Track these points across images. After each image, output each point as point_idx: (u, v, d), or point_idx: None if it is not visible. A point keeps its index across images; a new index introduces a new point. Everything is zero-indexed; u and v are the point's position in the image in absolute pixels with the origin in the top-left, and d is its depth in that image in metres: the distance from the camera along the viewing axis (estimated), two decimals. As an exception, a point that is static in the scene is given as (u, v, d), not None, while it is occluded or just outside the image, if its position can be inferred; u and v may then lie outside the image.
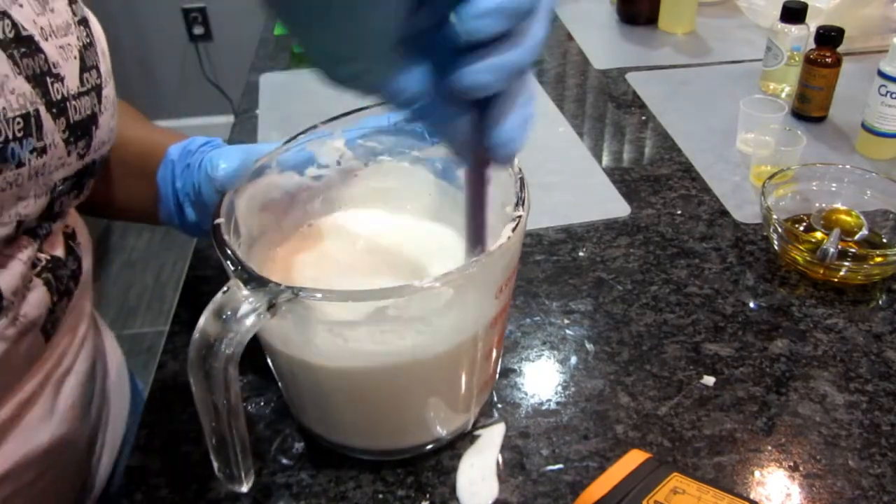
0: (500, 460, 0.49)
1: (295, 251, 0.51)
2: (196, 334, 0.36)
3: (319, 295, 0.38)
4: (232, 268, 0.38)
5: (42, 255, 0.46)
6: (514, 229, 0.41)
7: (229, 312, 0.36)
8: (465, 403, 0.49)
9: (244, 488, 0.42)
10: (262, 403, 0.53)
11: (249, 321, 0.36)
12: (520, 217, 0.42)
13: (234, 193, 0.46)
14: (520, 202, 0.43)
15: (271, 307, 0.37)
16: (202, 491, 0.48)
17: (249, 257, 0.47)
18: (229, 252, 0.39)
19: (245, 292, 0.37)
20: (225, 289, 0.37)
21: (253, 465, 0.42)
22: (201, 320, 0.36)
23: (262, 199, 0.49)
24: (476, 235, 0.41)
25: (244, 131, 0.91)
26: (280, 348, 0.44)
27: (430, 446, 0.49)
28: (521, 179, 0.44)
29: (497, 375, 0.54)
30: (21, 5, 0.40)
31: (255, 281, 0.37)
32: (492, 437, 0.51)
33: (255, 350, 0.58)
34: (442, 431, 0.49)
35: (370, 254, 0.51)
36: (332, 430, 0.49)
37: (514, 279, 0.46)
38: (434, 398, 0.47)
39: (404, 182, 0.54)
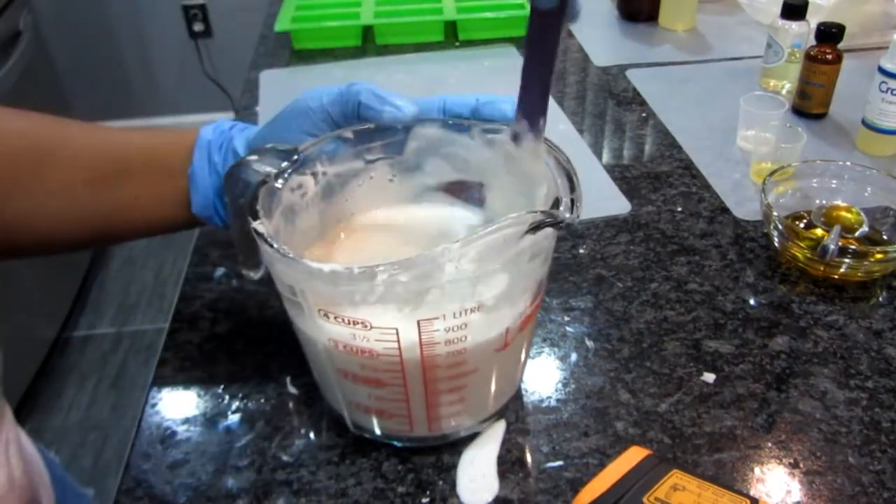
0: (501, 457, 0.49)
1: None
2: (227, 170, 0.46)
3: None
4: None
5: None
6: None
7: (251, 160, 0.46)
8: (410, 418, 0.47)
9: (253, 275, 0.48)
10: (262, 401, 0.54)
11: (261, 168, 0.46)
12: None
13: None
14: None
15: (279, 174, 0.46)
16: (203, 487, 0.48)
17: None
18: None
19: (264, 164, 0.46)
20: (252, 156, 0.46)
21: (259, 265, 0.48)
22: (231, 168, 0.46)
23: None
24: (534, 101, 0.40)
25: (244, 128, 0.91)
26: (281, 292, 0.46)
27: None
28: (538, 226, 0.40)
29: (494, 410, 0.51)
30: None
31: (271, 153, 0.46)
32: (492, 434, 0.51)
33: (252, 350, 0.58)
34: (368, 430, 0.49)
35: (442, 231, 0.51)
36: (324, 389, 0.51)
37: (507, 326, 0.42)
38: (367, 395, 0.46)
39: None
